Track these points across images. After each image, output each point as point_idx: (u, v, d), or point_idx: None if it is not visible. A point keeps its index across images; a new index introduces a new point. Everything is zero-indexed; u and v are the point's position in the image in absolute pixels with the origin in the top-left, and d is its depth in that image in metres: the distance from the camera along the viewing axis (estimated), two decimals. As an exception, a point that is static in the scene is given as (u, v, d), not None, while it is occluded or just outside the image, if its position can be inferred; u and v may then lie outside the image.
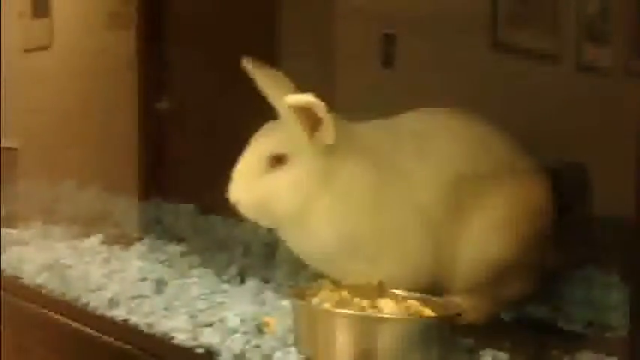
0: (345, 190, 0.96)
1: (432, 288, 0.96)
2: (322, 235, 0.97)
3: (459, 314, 0.87)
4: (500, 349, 0.88)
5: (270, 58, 1.52)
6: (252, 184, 0.97)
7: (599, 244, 1.19)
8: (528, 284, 1.02)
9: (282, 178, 0.96)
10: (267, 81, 1.00)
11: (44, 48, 2.20)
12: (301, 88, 0.97)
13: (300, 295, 0.89)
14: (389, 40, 1.57)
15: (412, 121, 1.04)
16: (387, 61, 1.57)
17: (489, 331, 0.95)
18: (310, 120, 0.93)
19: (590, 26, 1.59)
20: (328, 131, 0.93)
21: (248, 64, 1.01)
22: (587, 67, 1.60)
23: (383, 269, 0.94)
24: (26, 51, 2.25)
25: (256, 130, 1.01)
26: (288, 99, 0.91)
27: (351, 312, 0.83)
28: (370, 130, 1.01)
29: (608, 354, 0.86)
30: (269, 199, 0.97)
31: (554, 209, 1.03)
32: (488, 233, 0.98)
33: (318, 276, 1.02)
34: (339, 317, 0.82)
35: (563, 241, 1.09)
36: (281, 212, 0.97)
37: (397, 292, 0.91)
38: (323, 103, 0.91)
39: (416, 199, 0.97)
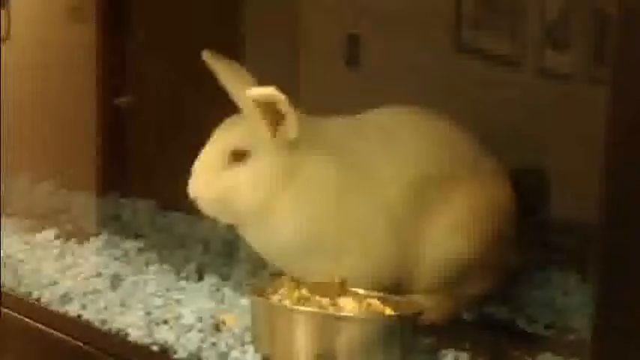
0: (307, 186, 0.94)
1: (394, 287, 0.95)
2: (284, 233, 0.95)
3: (420, 313, 0.86)
4: (461, 350, 0.87)
5: (233, 56, 1.51)
6: (212, 180, 0.96)
7: (560, 246, 1.20)
8: (489, 284, 1.02)
9: (244, 174, 0.94)
10: (228, 74, 0.98)
11: (1, 40, 2.15)
12: (264, 85, 0.95)
13: (259, 292, 0.88)
14: (353, 40, 1.56)
15: (377, 118, 1.03)
16: (351, 61, 1.56)
17: (451, 332, 0.94)
18: (272, 114, 0.92)
19: (552, 32, 1.60)
20: (291, 126, 0.92)
21: (208, 57, 1.00)
22: (548, 71, 1.61)
23: (345, 267, 0.93)
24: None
25: (218, 126, 0.99)
26: (250, 92, 0.90)
27: (311, 310, 0.81)
28: (334, 126, 1.00)
29: (570, 356, 0.86)
30: (230, 196, 0.95)
31: (516, 210, 1.03)
32: (450, 232, 0.97)
33: (279, 274, 1.00)
34: (298, 315, 0.80)
35: (525, 242, 1.09)
36: (242, 209, 0.95)
37: (358, 290, 0.89)
38: (285, 97, 0.89)
39: (380, 197, 0.96)
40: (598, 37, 1.44)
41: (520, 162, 1.23)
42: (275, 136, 0.93)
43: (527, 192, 1.17)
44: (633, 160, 0.59)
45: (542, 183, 1.35)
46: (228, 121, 0.98)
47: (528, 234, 1.10)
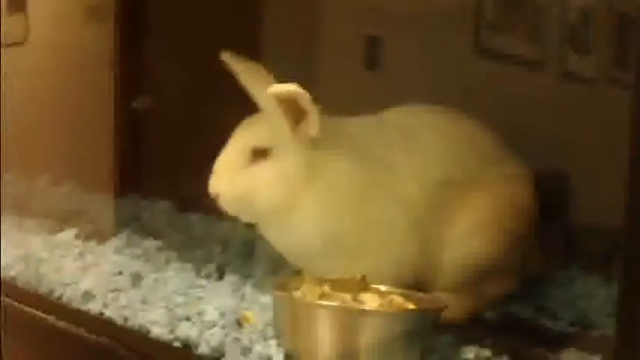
0: (328, 185, 0.94)
1: (415, 286, 0.94)
2: (305, 231, 0.95)
3: (442, 309, 0.85)
4: (482, 347, 0.87)
5: (252, 58, 1.52)
6: (233, 178, 0.96)
7: (584, 247, 1.19)
8: (511, 284, 1.02)
9: (265, 172, 0.94)
10: (247, 74, 0.98)
11: (19, 43, 2.17)
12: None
13: (281, 288, 0.87)
14: (373, 42, 1.56)
15: (399, 116, 1.03)
16: (371, 63, 1.56)
17: (472, 329, 0.94)
18: (294, 112, 0.92)
19: (573, 34, 1.60)
20: (312, 123, 0.92)
21: (227, 57, 1.00)
22: (570, 74, 1.60)
23: (366, 267, 0.92)
24: (3, 46, 2.22)
25: (236, 126, 0.99)
26: (272, 89, 0.90)
27: (334, 304, 0.81)
28: (355, 125, 1.00)
29: (592, 353, 0.86)
30: (250, 194, 0.95)
31: (539, 211, 1.02)
32: (472, 232, 0.97)
33: (299, 273, 1.00)
34: (322, 309, 0.80)
35: (549, 244, 1.08)
36: (262, 207, 0.95)
37: (380, 287, 0.89)
38: (307, 94, 0.89)
39: (401, 196, 0.95)
40: (620, 40, 1.44)
41: (542, 164, 1.23)
42: (296, 134, 0.93)
43: (550, 194, 1.16)
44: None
45: (564, 185, 1.34)
46: (248, 119, 0.99)
47: (552, 236, 1.10)
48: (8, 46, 2.16)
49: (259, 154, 0.95)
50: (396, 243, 0.95)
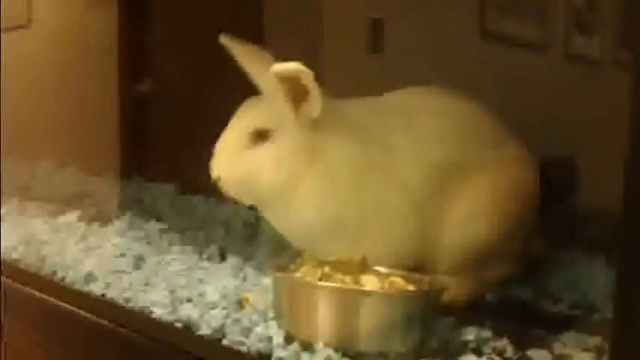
0: (329, 167, 0.94)
1: (415, 268, 0.94)
2: (306, 213, 0.95)
3: (442, 290, 0.85)
4: (483, 328, 0.86)
5: (256, 42, 1.51)
6: (234, 161, 0.95)
7: (587, 232, 1.19)
8: (512, 268, 1.01)
9: (266, 154, 0.94)
10: (247, 57, 0.98)
11: (22, 26, 2.16)
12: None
13: (282, 269, 0.87)
14: (377, 25, 1.55)
15: (399, 98, 1.02)
16: (375, 46, 1.56)
17: (473, 311, 0.94)
18: (295, 92, 0.91)
19: (578, 16, 1.59)
20: (315, 102, 0.91)
21: (227, 41, 0.99)
22: (575, 57, 1.59)
23: (367, 248, 0.92)
24: (5, 30, 2.22)
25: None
26: (275, 67, 0.89)
27: (333, 285, 0.81)
28: (356, 107, 1.00)
29: (592, 335, 0.86)
30: (251, 176, 0.95)
31: (540, 195, 1.02)
32: (472, 215, 0.96)
33: (300, 255, 1.00)
34: (321, 290, 0.80)
35: (552, 229, 1.08)
36: (264, 189, 0.95)
37: (380, 269, 0.89)
38: (311, 72, 0.89)
39: (402, 178, 0.95)
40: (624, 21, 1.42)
41: (546, 148, 1.22)
42: (298, 116, 0.93)
43: (554, 178, 1.16)
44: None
45: (569, 169, 1.34)
46: (249, 101, 0.98)
47: (555, 221, 1.09)
48: (11, 29, 2.16)
49: (260, 136, 0.94)
50: (396, 225, 0.95)
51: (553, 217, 1.11)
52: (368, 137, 0.96)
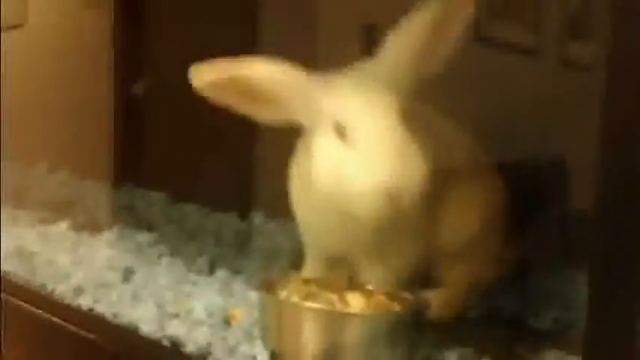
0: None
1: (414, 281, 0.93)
2: None
3: (423, 310, 0.86)
4: (466, 346, 0.87)
5: (250, 44, 1.51)
6: None
7: (569, 240, 1.19)
8: (490, 274, 1.01)
9: None
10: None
11: (18, 26, 2.15)
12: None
13: (268, 287, 0.88)
14: (369, 30, 1.55)
15: None
16: (368, 51, 1.55)
17: (457, 328, 0.94)
18: None
19: (573, 21, 1.58)
20: None
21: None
22: (570, 62, 1.59)
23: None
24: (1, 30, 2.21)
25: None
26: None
27: (316, 306, 0.82)
28: None
29: (571, 352, 0.85)
30: None
31: (506, 203, 1.02)
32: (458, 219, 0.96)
33: (290, 267, 1.00)
34: (304, 311, 0.81)
35: (535, 235, 1.08)
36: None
37: (367, 286, 0.89)
38: None
39: None
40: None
41: (536, 154, 1.22)
42: None
43: (545, 185, 1.16)
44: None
45: (560, 175, 1.33)
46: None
47: (540, 227, 1.09)
48: (6, 29, 2.15)
49: None
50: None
51: (541, 224, 1.11)
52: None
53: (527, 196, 1.09)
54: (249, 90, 0.86)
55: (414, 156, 0.79)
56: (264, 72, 0.86)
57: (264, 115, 0.88)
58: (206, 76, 0.88)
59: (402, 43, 0.86)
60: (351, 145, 0.78)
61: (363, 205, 0.77)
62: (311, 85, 0.85)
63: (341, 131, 0.80)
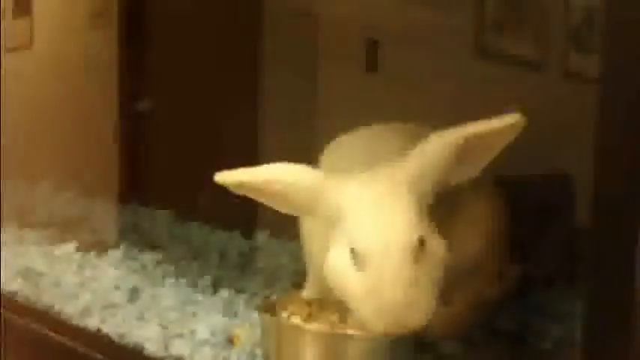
0: None
1: None
2: None
3: (427, 329, 0.86)
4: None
5: (252, 63, 1.52)
6: None
7: (571, 258, 1.19)
8: (492, 291, 1.01)
9: None
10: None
11: (25, 48, 2.18)
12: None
13: (269, 307, 0.89)
14: (373, 45, 1.56)
15: (359, 138, 1.01)
16: (371, 66, 1.56)
17: (459, 347, 0.95)
18: None
19: (576, 34, 1.59)
20: None
21: None
22: (573, 75, 1.59)
23: None
24: (7, 50, 2.23)
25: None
26: None
27: (318, 328, 0.82)
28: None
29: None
30: None
31: (508, 220, 1.02)
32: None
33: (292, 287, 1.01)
34: (305, 333, 0.82)
35: (537, 253, 1.09)
36: None
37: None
38: None
39: None
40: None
41: (539, 170, 1.23)
42: None
43: (550, 200, 1.16)
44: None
45: (565, 191, 1.33)
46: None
47: (547, 245, 1.10)
48: (12, 50, 2.18)
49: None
50: None
51: (543, 241, 1.11)
52: None
53: (529, 212, 1.09)
54: (268, 192, 0.87)
55: (424, 292, 0.79)
56: (281, 177, 0.86)
57: (283, 209, 0.89)
58: (228, 180, 0.87)
59: (429, 158, 0.84)
60: (363, 269, 0.78)
61: (367, 324, 0.77)
62: (329, 193, 0.83)
63: (355, 256, 0.79)
